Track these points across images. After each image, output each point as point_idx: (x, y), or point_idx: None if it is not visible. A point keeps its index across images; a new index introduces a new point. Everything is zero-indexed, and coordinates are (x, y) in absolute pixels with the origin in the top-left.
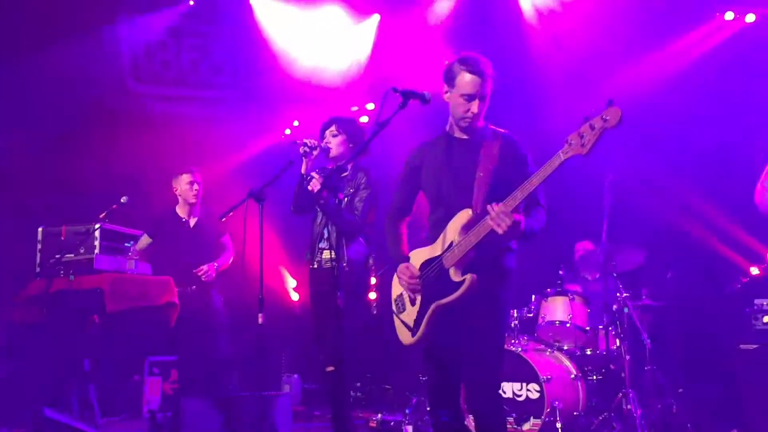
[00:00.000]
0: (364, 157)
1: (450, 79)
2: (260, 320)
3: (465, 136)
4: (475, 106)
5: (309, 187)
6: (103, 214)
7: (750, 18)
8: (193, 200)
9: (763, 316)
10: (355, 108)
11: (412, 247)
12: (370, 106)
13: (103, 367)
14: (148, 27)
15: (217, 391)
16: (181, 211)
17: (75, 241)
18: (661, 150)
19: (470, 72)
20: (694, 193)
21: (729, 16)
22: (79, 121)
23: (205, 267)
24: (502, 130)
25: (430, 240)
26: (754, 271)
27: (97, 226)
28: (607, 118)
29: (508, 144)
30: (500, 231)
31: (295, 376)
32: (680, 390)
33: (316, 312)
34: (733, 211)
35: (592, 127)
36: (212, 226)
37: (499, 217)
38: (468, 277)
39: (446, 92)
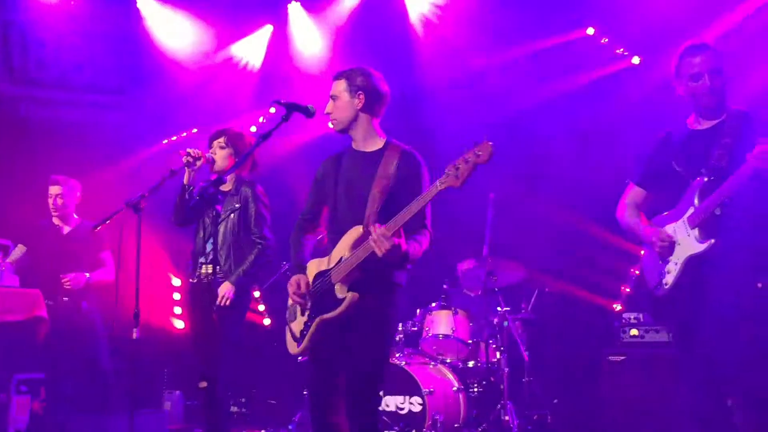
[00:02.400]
0: (253, 171)
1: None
2: (135, 335)
3: (365, 149)
4: (330, 106)
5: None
6: None
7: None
8: (54, 212)
9: (630, 329)
10: (254, 128)
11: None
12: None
13: None
14: (24, 25)
15: (97, 408)
16: (57, 219)
17: None
18: (541, 166)
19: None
20: (571, 207)
21: (590, 30)
22: None
23: (72, 275)
24: (404, 146)
25: (329, 251)
26: (617, 307)
27: None
28: (479, 153)
29: (406, 160)
30: (379, 253)
31: (177, 392)
32: (555, 401)
33: (194, 326)
34: (610, 224)
35: (466, 161)
36: (88, 236)
37: (379, 240)
38: (349, 295)
39: None
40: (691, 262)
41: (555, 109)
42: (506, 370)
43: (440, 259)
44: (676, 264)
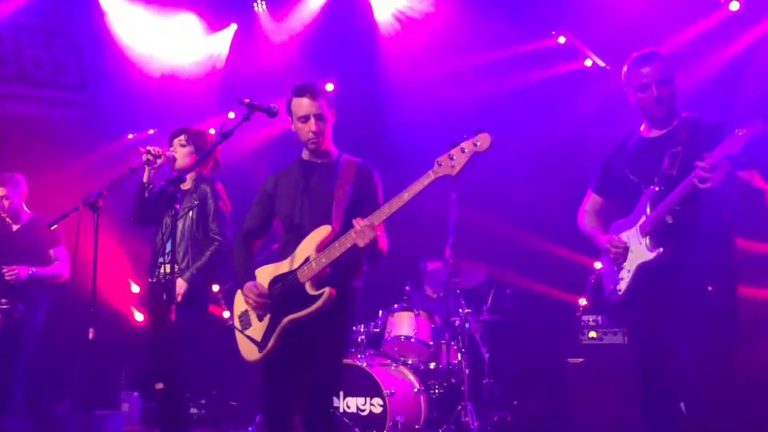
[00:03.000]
0: (214, 170)
1: (288, 109)
2: (91, 335)
3: (320, 161)
4: (312, 125)
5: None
6: None
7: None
8: (2, 213)
9: (589, 332)
10: (212, 130)
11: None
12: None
13: None
14: None
15: (39, 410)
16: (7, 218)
17: None
18: (503, 168)
19: (300, 96)
20: (533, 211)
21: (561, 40)
22: None
23: (14, 267)
24: (357, 159)
25: (281, 259)
26: (583, 302)
27: None
28: (478, 143)
29: (362, 171)
30: (362, 244)
31: (135, 393)
32: (515, 402)
33: (153, 327)
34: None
35: (462, 150)
36: (39, 233)
37: (363, 231)
38: (326, 289)
39: (291, 124)
40: (642, 269)
41: (520, 111)
42: (467, 371)
43: (402, 261)
44: (628, 271)
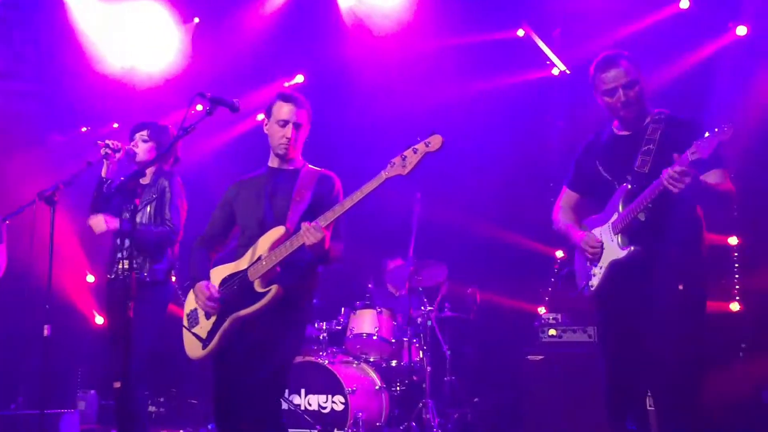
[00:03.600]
0: (175, 165)
1: (269, 110)
2: (46, 332)
3: (284, 168)
4: (288, 131)
5: (96, 231)
6: None
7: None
8: None
9: (548, 330)
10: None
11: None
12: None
13: None
14: None
15: None
16: None
17: None
18: (465, 168)
19: (285, 101)
20: (495, 210)
21: (520, 32)
22: None
23: None
24: (321, 169)
25: (235, 259)
26: (542, 310)
27: None
28: (430, 143)
29: (324, 179)
30: (308, 243)
31: (92, 392)
32: (476, 399)
33: (111, 324)
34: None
35: (415, 151)
36: None
37: (310, 231)
38: (273, 287)
39: (265, 124)
40: (614, 266)
41: (484, 110)
42: (428, 369)
43: (365, 259)
44: (601, 268)
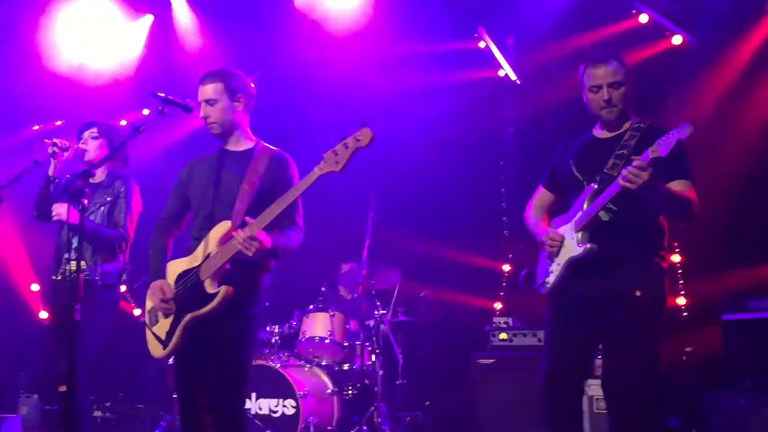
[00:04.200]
0: (126, 165)
1: None
2: None
3: (234, 149)
4: (202, 110)
5: (54, 217)
6: None
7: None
8: None
9: (499, 333)
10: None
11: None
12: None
13: None
14: None
15: None
16: None
17: None
18: (419, 172)
19: (199, 83)
20: (449, 213)
21: (481, 44)
22: None
23: None
24: (274, 148)
25: (191, 251)
26: (498, 305)
27: None
28: (360, 138)
29: (277, 161)
30: (250, 253)
31: (35, 396)
32: (427, 403)
33: (56, 327)
34: (483, 231)
35: (346, 146)
36: None
37: (246, 242)
38: (223, 288)
39: None
40: (571, 264)
41: (440, 113)
42: (381, 372)
43: (318, 261)
44: (558, 265)
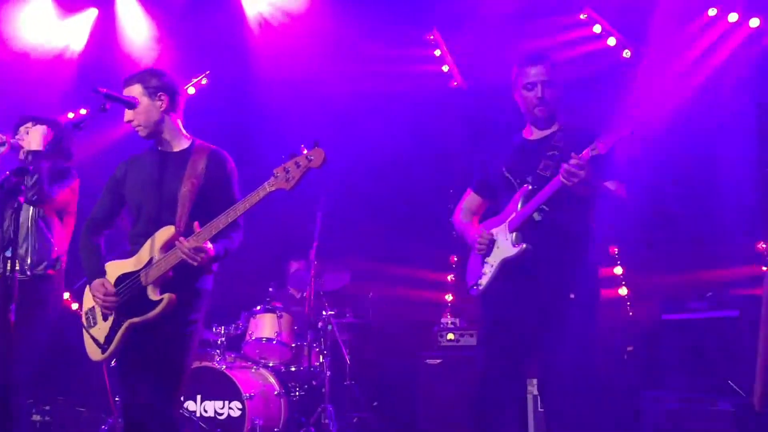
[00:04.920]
0: (68, 160)
1: None
2: None
3: (169, 150)
4: (128, 115)
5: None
6: None
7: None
8: None
9: (447, 334)
10: (71, 114)
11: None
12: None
13: None
14: None
15: None
16: None
17: None
18: (369, 172)
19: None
20: (398, 214)
21: (437, 52)
22: None
23: None
24: (212, 146)
25: (131, 253)
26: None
27: None
28: (312, 158)
29: (215, 160)
30: (195, 263)
31: None
32: (375, 403)
33: None
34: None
35: (297, 165)
36: None
37: (192, 252)
38: (166, 296)
39: None
40: (505, 265)
41: (390, 116)
42: (328, 373)
43: (266, 260)
44: (491, 266)
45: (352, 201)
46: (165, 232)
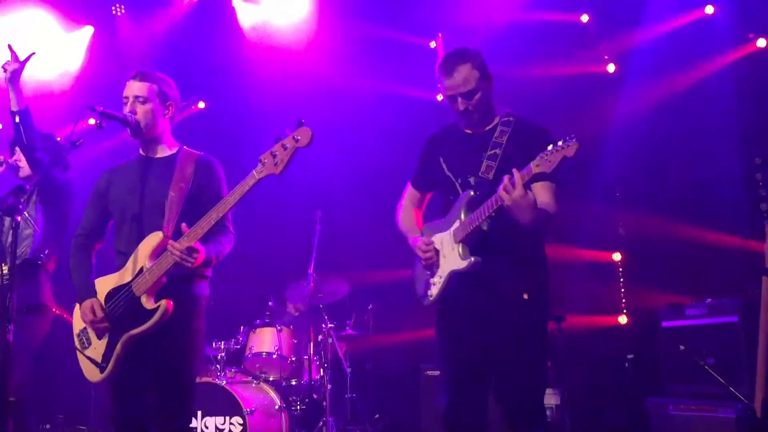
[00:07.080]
0: (65, 171)
1: None
2: None
3: (156, 156)
4: (128, 106)
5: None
6: None
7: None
8: None
9: None
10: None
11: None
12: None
13: None
14: None
15: None
16: None
17: None
18: (366, 184)
19: (130, 78)
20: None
21: (432, 44)
22: None
23: None
24: (198, 152)
25: (119, 267)
26: None
27: None
28: (299, 138)
29: (202, 165)
30: (189, 265)
31: None
32: (376, 416)
33: None
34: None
35: (284, 147)
36: None
37: (185, 253)
38: (162, 303)
39: None
40: (454, 277)
41: (388, 127)
42: (329, 386)
43: (265, 276)
44: (440, 277)
45: (350, 213)
46: (153, 239)
